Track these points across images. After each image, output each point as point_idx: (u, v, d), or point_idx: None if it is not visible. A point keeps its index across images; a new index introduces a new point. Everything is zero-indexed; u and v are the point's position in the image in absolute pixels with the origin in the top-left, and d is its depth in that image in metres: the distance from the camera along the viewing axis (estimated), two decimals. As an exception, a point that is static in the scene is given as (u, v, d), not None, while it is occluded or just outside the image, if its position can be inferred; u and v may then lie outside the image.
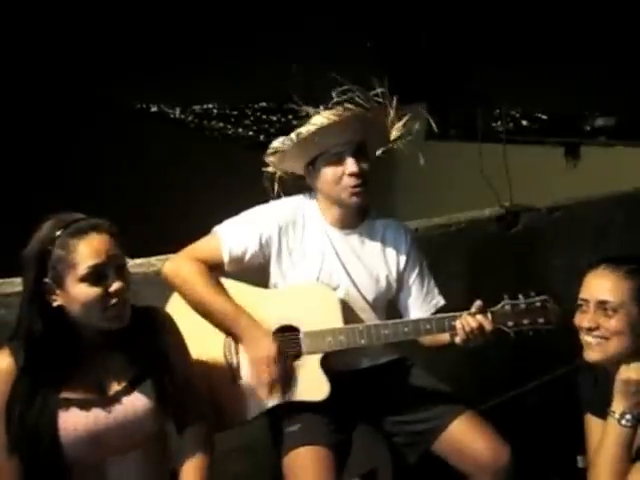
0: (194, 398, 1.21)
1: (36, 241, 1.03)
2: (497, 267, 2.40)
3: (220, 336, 1.38)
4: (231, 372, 1.37)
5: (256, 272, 1.45)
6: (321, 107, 1.35)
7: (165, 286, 1.42)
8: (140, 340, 1.13)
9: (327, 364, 1.35)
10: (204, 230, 1.44)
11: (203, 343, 1.37)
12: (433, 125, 1.78)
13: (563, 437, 1.49)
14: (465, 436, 1.39)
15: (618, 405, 1.17)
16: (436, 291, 1.51)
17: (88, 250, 1.01)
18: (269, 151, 1.41)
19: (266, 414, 1.38)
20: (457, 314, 1.31)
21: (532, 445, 1.79)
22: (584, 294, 1.23)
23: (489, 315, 1.30)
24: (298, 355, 1.36)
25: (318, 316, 1.35)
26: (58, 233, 1.01)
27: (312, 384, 1.34)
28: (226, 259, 1.38)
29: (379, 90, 1.33)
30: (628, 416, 1.15)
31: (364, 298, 1.44)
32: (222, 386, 1.36)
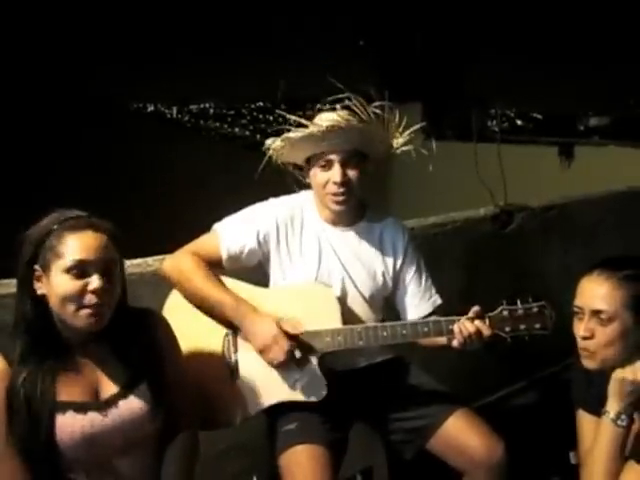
0: (180, 402, 1.20)
1: (34, 230, 1.05)
2: (492, 265, 2.42)
3: (218, 335, 1.39)
4: (229, 370, 1.37)
5: (255, 270, 1.46)
6: (319, 109, 1.36)
7: (161, 286, 1.43)
8: (135, 342, 1.13)
9: (325, 364, 1.36)
10: (202, 229, 1.45)
11: (201, 342, 1.37)
12: (427, 126, 1.79)
13: (556, 434, 1.50)
14: (460, 433, 1.40)
15: (613, 405, 1.16)
16: (433, 289, 1.52)
17: (77, 244, 1.03)
18: (265, 147, 1.42)
19: (263, 413, 1.39)
20: (455, 318, 1.31)
21: (526, 442, 1.80)
22: (579, 301, 1.22)
23: (487, 320, 1.30)
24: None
25: (317, 316, 1.36)
26: (56, 226, 1.04)
27: (310, 384, 1.34)
28: (224, 256, 1.40)
29: (380, 103, 1.32)
30: (623, 416, 1.15)
31: (361, 295, 1.45)
32: (220, 385, 1.37)
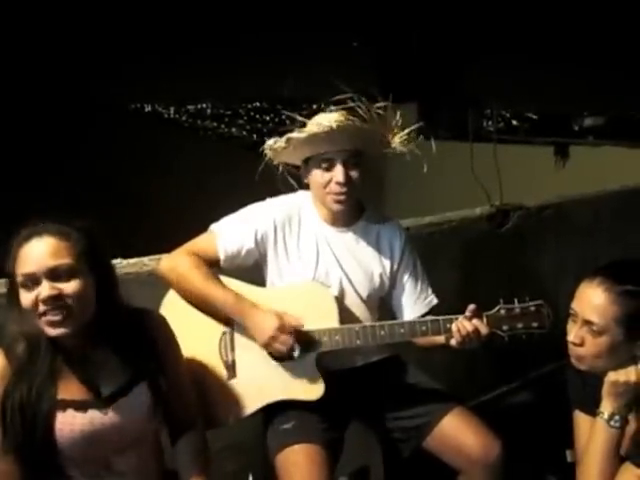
0: (184, 400, 1.22)
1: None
2: (488, 265, 2.42)
3: (215, 334, 1.39)
4: (226, 370, 1.38)
5: (253, 270, 1.46)
6: (319, 110, 1.36)
7: (158, 286, 1.43)
8: (134, 341, 1.13)
9: (322, 363, 1.36)
10: (200, 229, 1.45)
11: (198, 342, 1.37)
12: (423, 126, 1.79)
13: (553, 432, 1.51)
14: (456, 431, 1.41)
15: (607, 406, 1.17)
16: (429, 290, 1.52)
17: (22, 258, 1.03)
18: (264, 148, 1.42)
19: (260, 412, 1.39)
20: (453, 317, 1.32)
21: (522, 440, 1.81)
22: (575, 305, 1.21)
23: (484, 319, 1.31)
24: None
25: (314, 315, 1.36)
26: (14, 242, 1.05)
27: (307, 383, 1.35)
28: (222, 256, 1.40)
29: (382, 104, 1.32)
30: (617, 417, 1.15)
31: (358, 295, 1.45)
32: (217, 384, 1.37)
